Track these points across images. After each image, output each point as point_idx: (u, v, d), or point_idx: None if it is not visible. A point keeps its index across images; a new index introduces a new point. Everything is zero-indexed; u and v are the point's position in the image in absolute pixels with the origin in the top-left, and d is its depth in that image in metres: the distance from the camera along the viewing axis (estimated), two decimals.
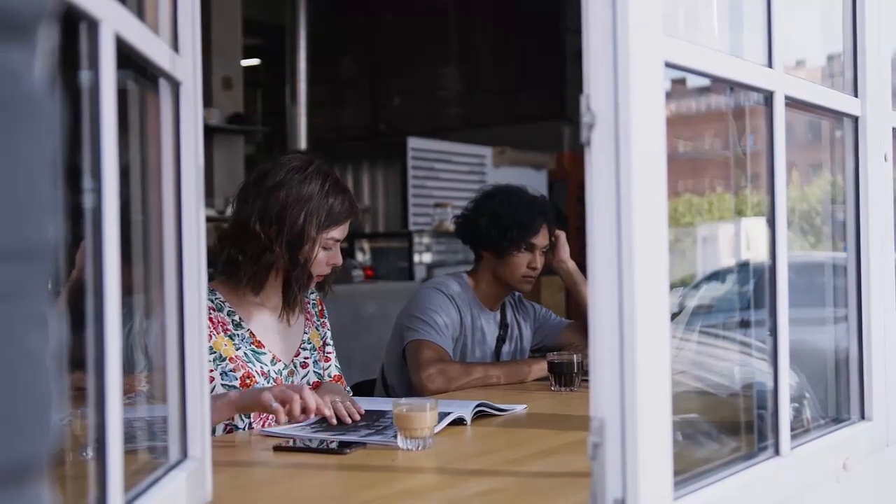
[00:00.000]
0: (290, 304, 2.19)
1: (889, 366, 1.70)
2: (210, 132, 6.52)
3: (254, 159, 8.20)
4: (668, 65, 1.10)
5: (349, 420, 1.94)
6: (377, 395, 2.82)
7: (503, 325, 2.91)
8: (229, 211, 3.58)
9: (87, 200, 0.88)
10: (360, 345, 4.73)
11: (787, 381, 1.38)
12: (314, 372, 2.27)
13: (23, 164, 0.60)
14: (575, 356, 2.49)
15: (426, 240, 6.79)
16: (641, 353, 1.02)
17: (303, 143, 7.31)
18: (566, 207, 6.50)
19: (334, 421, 1.93)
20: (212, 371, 2.05)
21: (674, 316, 1.72)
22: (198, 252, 1.24)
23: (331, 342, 2.37)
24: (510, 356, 2.89)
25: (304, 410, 1.86)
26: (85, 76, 0.88)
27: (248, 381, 2.09)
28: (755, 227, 1.51)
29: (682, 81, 1.29)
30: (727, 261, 2.14)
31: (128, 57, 1.00)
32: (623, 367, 1.02)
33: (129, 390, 1.06)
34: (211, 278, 2.15)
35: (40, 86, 0.62)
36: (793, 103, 1.43)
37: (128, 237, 1.10)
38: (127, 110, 1.16)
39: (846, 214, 1.68)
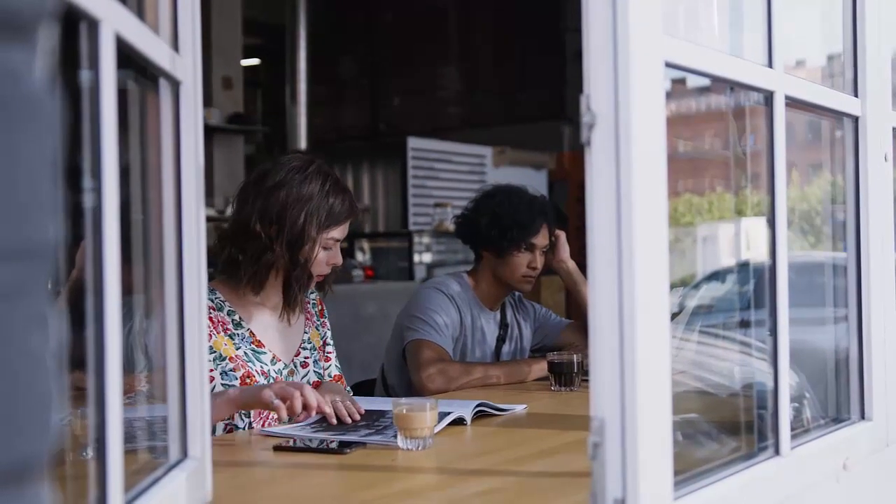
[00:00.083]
0: (290, 303, 2.20)
1: (889, 366, 1.70)
2: (210, 132, 6.52)
3: (254, 159, 8.20)
4: (669, 64, 1.10)
5: (349, 420, 1.94)
6: (377, 395, 2.82)
7: (503, 325, 2.91)
8: (229, 211, 3.58)
9: (88, 200, 0.87)
10: (360, 345, 4.73)
11: (787, 381, 1.38)
12: (314, 371, 2.27)
13: (23, 164, 0.60)
14: (575, 356, 2.49)
15: (426, 240, 6.79)
16: (641, 353, 1.02)
17: (303, 143, 7.31)
18: (566, 207, 6.51)
19: (334, 420, 1.93)
20: (212, 371, 2.05)
21: (674, 316, 1.72)
22: (198, 252, 1.24)
23: (331, 342, 2.37)
24: (510, 356, 2.89)
25: (305, 407, 1.86)
26: (85, 76, 0.88)
27: (248, 380, 2.09)
28: (755, 226, 1.51)
29: (682, 81, 1.29)
30: (727, 261, 2.14)
31: (128, 57, 1.00)
32: (623, 367, 1.02)
33: (129, 390, 1.06)
34: (211, 278, 2.15)
35: (41, 85, 0.62)
36: (793, 103, 1.43)
37: (128, 237, 1.10)
38: (127, 110, 1.16)
39: (846, 214, 1.68)
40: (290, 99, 7.37)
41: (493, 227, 2.76)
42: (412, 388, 2.61)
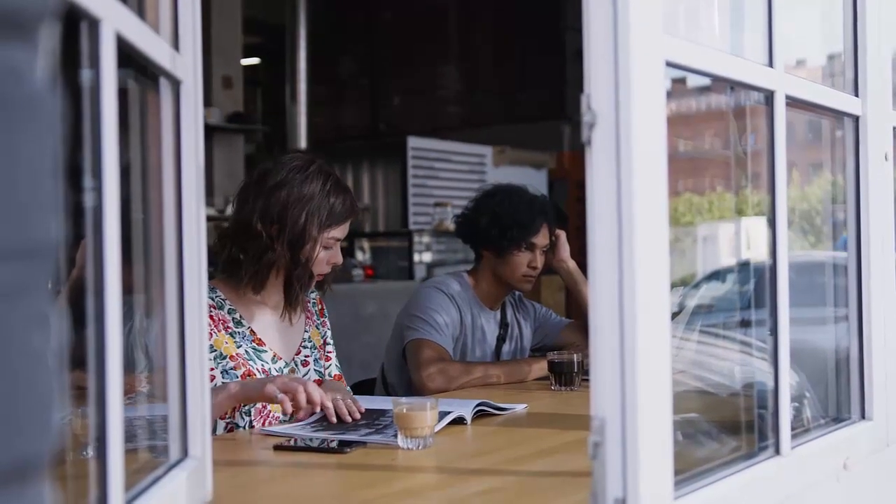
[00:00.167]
0: (291, 303, 2.20)
1: (889, 366, 1.70)
2: (210, 131, 6.52)
3: (254, 158, 8.20)
4: (669, 64, 1.10)
5: (349, 418, 1.95)
6: (377, 395, 2.82)
7: (503, 325, 2.91)
8: (229, 210, 3.58)
9: (88, 199, 0.87)
10: (359, 344, 4.73)
11: (788, 380, 1.38)
12: (315, 370, 2.27)
13: (24, 164, 0.60)
14: (575, 356, 2.49)
15: (426, 239, 6.79)
16: (642, 353, 1.02)
17: (303, 143, 7.32)
18: (566, 207, 6.50)
19: (334, 419, 1.93)
20: (212, 369, 2.05)
21: (674, 315, 1.72)
22: (198, 251, 1.24)
23: (331, 341, 2.38)
24: (510, 355, 2.89)
25: (309, 401, 1.87)
26: (86, 75, 0.88)
27: (248, 378, 2.09)
28: (755, 226, 1.51)
29: (682, 81, 1.29)
30: (727, 260, 2.14)
31: (128, 56, 1.00)
32: (623, 366, 1.02)
33: (129, 390, 1.06)
34: (211, 277, 2.15)
35: (42, 85, 0.62)
36: (793, 103, 1.42)
37: (128, 236, 1.10)
38: (127, 109, 1.16)
39: (846, 214, 1.68)
40: (290, 98, 7.38)
41: (493, 226, 2.76)
42: (412, 388, 2.61)
